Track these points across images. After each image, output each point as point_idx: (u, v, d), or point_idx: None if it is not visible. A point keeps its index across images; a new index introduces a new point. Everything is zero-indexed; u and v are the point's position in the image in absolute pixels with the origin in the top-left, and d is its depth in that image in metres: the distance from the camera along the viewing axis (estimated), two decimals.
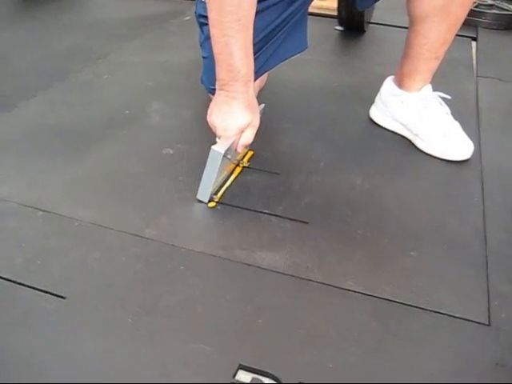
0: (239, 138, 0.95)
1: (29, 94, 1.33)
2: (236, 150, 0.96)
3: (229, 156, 0.95)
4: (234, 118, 0.93)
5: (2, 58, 1.55)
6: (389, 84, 1.23)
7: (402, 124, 1.19)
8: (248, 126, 0.94)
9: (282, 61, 1.21)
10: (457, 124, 1.15)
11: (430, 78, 1.18)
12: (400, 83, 1.20)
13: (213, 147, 0.91)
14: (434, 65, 1.16)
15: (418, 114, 1.16)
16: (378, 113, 1.26)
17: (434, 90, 1.18)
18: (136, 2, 2.15)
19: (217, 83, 0.95)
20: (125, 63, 1.53)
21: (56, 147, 1.10)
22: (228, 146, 0.92)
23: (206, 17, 1.17)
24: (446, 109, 1.17)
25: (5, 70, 1.47)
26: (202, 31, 1.20)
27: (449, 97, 1.18)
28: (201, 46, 1.23)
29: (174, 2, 2.13)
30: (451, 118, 1.16)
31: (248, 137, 0.95)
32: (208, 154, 0.92)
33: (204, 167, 0.93)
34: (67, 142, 1.12)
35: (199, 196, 0.95)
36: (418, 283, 0.80)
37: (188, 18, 1.95)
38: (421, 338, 0.72)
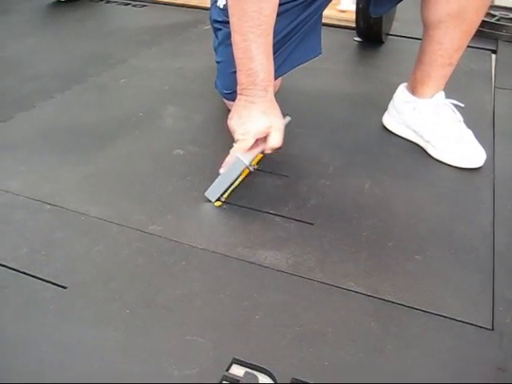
0: (260, 144, 0.95)
1: (47, 96, 1.36)
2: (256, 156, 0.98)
3: (249, 165, 0.95)
4: (253, 122, 0.94)
5: (25, 62, 1.59)
6: (402, 91, 1.22)
7: (414, 131, 1.18)
8: (269, 129, 0.94)
9: (296, 66, 1.22)
10: (469, 132, 1.13)
11: (443, 84, 1.17)
12: (413, 90, 1.19)
13: (238, 155, 0.92)
14: (447, 71, 1.15)
15: (430, 120, 1.15)
16: (390, 119, 1.25)
17: (450, 98, 1.17)
18: (157, 12, 2.19)
19: (238, 88, 0.96)
20: (142, 68, 1.56)
21: (69, 146, 1.12)
22: (253, 157, 0.93)
23: (219, 22, 1.19)
24: (459, 116, 1.16)
25: (26, 73, 1.50)
26: (216, 36, 1.22)
27: (462, 105, 1.17)
28: (215, 50, 1.25)
29: (194, 12, 2.17)
30: (464, 125, 1.15)
31: (276, 140, 0.95)
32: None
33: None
34: (80, 141, 1.14)
35: (208, 194, 0.95)
36: (422, 286, 0.79)
37: (207, 27, 1.97)
38: (421, 341, 0.70)
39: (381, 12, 1.37)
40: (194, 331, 0.69)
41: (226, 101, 1.26)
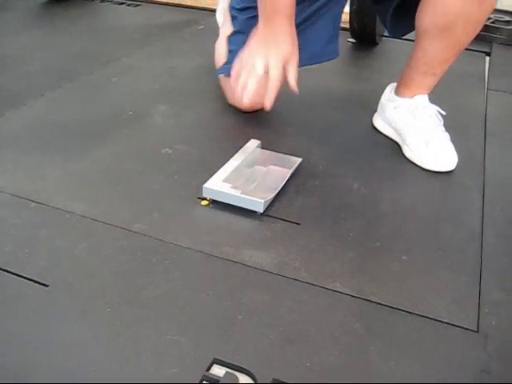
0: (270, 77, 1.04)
1: (38, 93, 1.35)
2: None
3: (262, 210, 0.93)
4: (278, 47, 1.01)
5: (16, 59, 1.58)
6: (388, 90, 1.24)
7: (395, 129, 1.19)
8: (289, 59, 1.02)
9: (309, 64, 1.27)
10: (446, 135, 1.12)
11: (426, 91, 1.16)
12: (397, 90, 1.21)
13: (257, 199, 0.90)
14: (430, 81, 1.15)
15: (406, 120, 1.15)
16: (377, 117, 1.27)
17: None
18: (152, 11, 2.18)
19: (259, 23, 1.04)
20: (134, 67, 1.55)
21: (57, 143, 1.11)
22: (271, 199, 0.93)
23: (237, 9, 1.23)
24: (439, 120, 1.14)
25: (17, 70, 1.50)
26: (233, 24, 1.23)
27: (443, 112, 1.15)
28: (228, 39, 1.27)
29: (189, 12, 2.16)
30: (442, 128, 1.13)
31: (293, 72, 1.05)
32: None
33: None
34: (68, 139, 1.13)
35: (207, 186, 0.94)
36: (407, 287, 0.78)
37: (202, 27, 1.97)
38: (405, 342, 0.69)
39: (399, 34, 1.36)
40: (175, 330, 0.68)
41: (225, 86, 1.28)
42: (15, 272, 0.77)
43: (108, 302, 0.72)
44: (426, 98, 1.16)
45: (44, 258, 0.80)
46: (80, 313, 0.71)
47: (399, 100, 1.18)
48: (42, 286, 0.74)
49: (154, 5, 2.26)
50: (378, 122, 1.25)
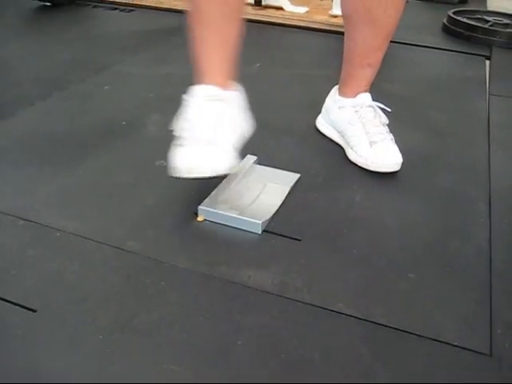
0: None
1: (27, 103, 1.31)
2: None
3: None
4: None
5: (5, 68, 1.54)
6: (333, 91, 1.19)
7: (338, 131, 1.15)
8: None
9: None
10: (389, 136, 1.08)
11: (365, 85, 1.13)
12: (340, 91, 1.16)
13: (255, 221, 0.87)
14: (367, 73, 1.11)
15: (349, 120, 1.11)
16: (321, 119, 1.22)
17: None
18: (145, 16, 2.14)
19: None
20: (127, 75, 1.51)
21: (47, 156, 1.07)
22: (269, 220, 0.89)
23: None
24: (384, 119, 1.11)
25: (6, 79, 1.46)
26: None
27: (389, 109, 1.12)
28: None
29: (183, 17, 2.12)
30: (386, 129, 1.09)
31: None
32: None
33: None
34: (59, 152, 1.09)
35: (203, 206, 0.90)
36: (415, 308, 0.75)
37: None
38: (415, 368, 0.66)
39: None
40: (171, 359, 0.64)
41: None
42: (0, 296, 0.72)
43: (99, 328, 0.68)
44: (368, 96, 1.12)
45: (32, 281, 0.76)
46: (70, 340, 0.67)
47: (343, 100, 1.14)
48: (29, 311, 0.70)
49: (147, 10, 2.22)
50: (322, 126, 1.21)
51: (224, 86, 0.96)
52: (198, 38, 0.96)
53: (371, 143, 1.05)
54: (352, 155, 1.09)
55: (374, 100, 1.13)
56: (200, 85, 0.96)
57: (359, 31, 1.05)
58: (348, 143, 1.11)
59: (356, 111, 1.10)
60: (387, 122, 1.10)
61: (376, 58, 1.09)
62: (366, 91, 1.12)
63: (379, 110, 1.11)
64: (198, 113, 0.92)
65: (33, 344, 0.66)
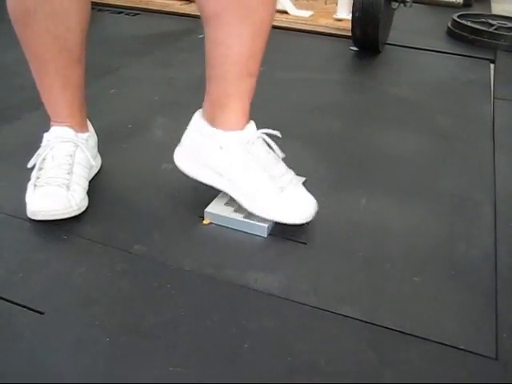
0: None
1: (33, 107, 1.31)
2: None
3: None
4: None
5: (9, 72, 1.55)
6: (199, 120, 0.91)
7: (221, 174, 0.89)
8: None
9: None
10: (292, 173, 0.90)
11: (248, 105, 0.88)
12: (212, 119, 0.89)
13: (261, 224, 0.87)
14: (249, 85, 0.87)
15: (242, 162, 0.87)
16: (186, 158, 0.93)
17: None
18: (150, 20, 2.15)
19: None
20: (133, 78, 1.52)
21: None
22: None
23: None
24: (279, 152, 0.90)
25: (11, 84, 1.46)
26: None
27: (279, 135, 0.90)
28: None
29: (188, 21, 2.13)
30: (284, 165, 0.90)
31: None
32: None
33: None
34: None
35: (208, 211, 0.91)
36: (421, 311, 0.75)
37: (201, 36, 1.93)
38: (421, 372, 0.66)
39: None
40: (178, 361, 0.65)
41: None
42: (8, 298, 0.73)
43: (107, 330, 0.68)
44: (253, 125, 0.89)
45: (39, 283, 0.76)
46: (77, 343, 0.67)
47: (225, 136, 0.87)
48: (36, 314, 0.71)
49: (152, 14, 2.23)
50: (189, 166, 0.92)
51: (77, 127, 0.97)
52: (40, 82, 0.95)
53: (281, 189, 0.87)
54: (251, 205, 0.88)
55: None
56: (54, 126, 0.97)
57: (233, 31, 0.81)
58: (242, 190, 0.88)
59: (248, 149, 0.87)
60: (283, 155, 0.90)
61: (256, 64, 0.86)
62: (248, 118, 0.89)
63: (268, 140, 0.89)
64: (51, 154, 0.92)
65: (40, 346, 0.66)
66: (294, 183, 0.89)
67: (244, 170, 0.87)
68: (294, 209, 0.87)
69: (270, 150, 0.89)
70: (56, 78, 0.93)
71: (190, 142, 0.93)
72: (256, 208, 0.87)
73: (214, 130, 0.88)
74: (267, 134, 0.89)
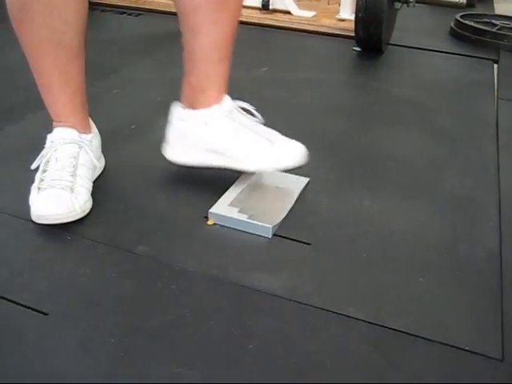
0: None
1: (37, 107, 1.30)
2: None
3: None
4: None
5: (14, 72, 1.55)
6: (180, 111, 0.99)
7: (213, 151, 0.95)
8: None
9: None
10: (273, 130, 0.98)
11: (225, 85, 0.97)
12: (193, 103, 0.97)
13: (265, 225, 0.87)
14: (225, 68, 0.96)
15: (229, 130, 0.94)
16: (177, 150, 0.99)
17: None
18: (153, 20, 2.16)
19: None
20: (136, 79, 1.52)
21: None
22: (279, 224, 0.89)
23: None
24: (259, 117, 0.99)
25: (15, 83, 1.46)
26: None
27: (255, 111, 0.99)
28: None
29: None
30: (265, 126, 0.98)
31: None
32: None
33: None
34: None
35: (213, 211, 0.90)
36: (425, 312, 0.75)
37: None
38: (426, 373, 0.66)
39: None
40: (183, 363, 0.65)
41: None
42: (12, 299, 0.73)
43: (111, 331, 0.68)
44: (228, 96, 0.97)
45: (43, 284, 0.76)
46: (81, 344, 0.67)
47: (207, 112, 0.95)
48: (40, 315, 0.71)
49: (155, 14, 2.23)
50: (181, 155, 0.99)
51: (80, 128, 0.96)
52: (40, 81, 0.95)
53: (270, 142, 0.94)
54: (248, 164, 0.94)
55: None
56: (57, 127, 0.96)
57: (213, 21, 0.90)
58: (235, 156, 0.94)
59: (231, 118, 0.95)
60: (263, 120, 0.99)
61: (230, 48, 0.95)
62: (224, 92, 0.97)
63: (248, 106, 0.99)
64: (55, 156, 0.92)
65: (44, 347, 0.66)
66: (279, 136, 0.96)
67: (233, 138, 0.94)
68: (288, 154, 0.94)
69: (250, 116, 0.98)
70: (55, 76, 0.93)
71: (175, 134, 0.99)
72: (252, 165, 0.94)
73: (196, 111, 0.96)
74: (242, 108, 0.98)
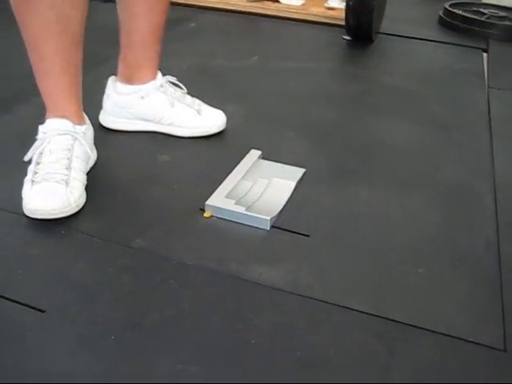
0: None
1: (25, 98, 1.28)
2: None
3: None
4: None
5: (4, 63, 1.51)
6: (115, 85, 1.12)
7: (149, 120, 1.12)
8: None
9: None
10: (197, 100, 1.13)
11: (158, 64, 1.12)
12: (129, 78, 1.10)
13: (263, 217, 0.86)
14: (159, 48, 1.11)
15: (163, 102, 1.09)
16: (111, 117, 1.14)
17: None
18: None
19: None
20: None
21: None
22: (277, 215, 0.88)
23: None
24: (184, 89, 1.14)
25: (5, 74, 1.42)
26: None
27: (180, 83, 1.14)
28: None
29: (180, 10, 2.10)
30: (189, 96, 1.14)
31: None
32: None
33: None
34: None
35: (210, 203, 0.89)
36: (427, 303, 0.74)
37: (193, 25, 1.91)
38: (429, 364, 0.65)
39: None
40: (185, 358, 0.64)
41: None
42: (8, 296, 0.71)
43: (110, 328, 0.67)
44: (160, 73, 1.12)
45: (39, 281, 0.74)
46: (80, 340, 0.66)
47: (144, 87, 1.09)
48: (37, 312, 0.69)
49: None
50: (119, 122, 1.13)
51: (75, 119, 0.95)
52: (38, 68, 0.94)
53: (198, 111, 1.11)
54: (182, 131, 1.11)
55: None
56: (51, 118, 0.94)
57: (150, 10, 1.05)
58: (172, 123, 1.11)
59: (163, 91, 1.10)
60: (185, 90, 1.14)
61: (163, 28, 1.09)
62: (157, 68, 1.11)
63: (173, 80, 1.14)
64: (49, 148, 0.90)
65: (43, 345, 0.65)
66: (204, 105, 1.13)
67: (167, 109, 1.10)
68: (214, 120, 1.12)
69: (177, 88, 1.13)
70: (56, 61, 0.91)
71: (112, 104, 1.13)
72: (187, 131, 1.11)
73: (132, 86, 1.10)
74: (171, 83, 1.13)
